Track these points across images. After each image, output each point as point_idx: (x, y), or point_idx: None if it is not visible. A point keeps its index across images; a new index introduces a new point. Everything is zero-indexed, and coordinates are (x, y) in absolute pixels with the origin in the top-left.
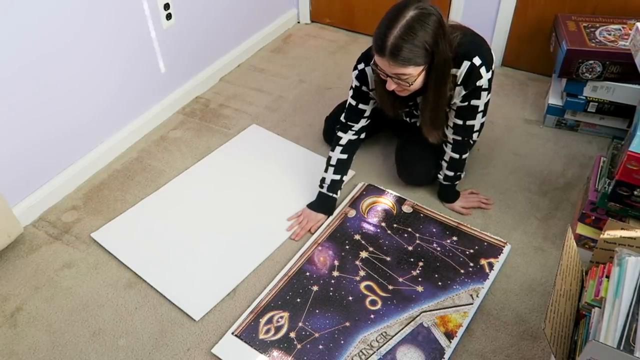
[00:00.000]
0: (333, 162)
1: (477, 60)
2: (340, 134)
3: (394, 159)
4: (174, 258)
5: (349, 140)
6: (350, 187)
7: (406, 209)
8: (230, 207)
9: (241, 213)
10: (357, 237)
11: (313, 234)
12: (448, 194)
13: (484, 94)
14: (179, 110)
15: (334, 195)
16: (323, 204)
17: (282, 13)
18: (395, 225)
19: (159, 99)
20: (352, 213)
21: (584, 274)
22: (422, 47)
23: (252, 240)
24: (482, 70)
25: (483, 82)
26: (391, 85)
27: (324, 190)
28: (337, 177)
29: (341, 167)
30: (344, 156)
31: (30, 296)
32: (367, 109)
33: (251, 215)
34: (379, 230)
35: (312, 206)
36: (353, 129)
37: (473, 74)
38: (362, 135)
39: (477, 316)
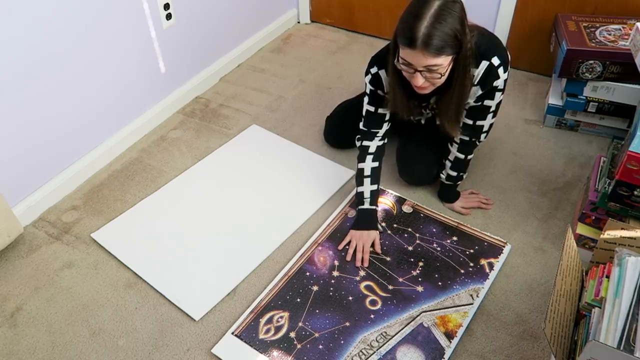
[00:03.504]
0: (367, 172)
1: (495, 61)
2: (366, 143)
3: (395, 159)
4: (174, 258)
5: (378, 147)
6: (351, 187)
7: (406, 209)
8: (230, 207)
9: (241, 213)
10: None
11: (380, 252)
12: (449, 194)
13: (498, 94)
14: (179, 110)
15: (376, 208)
16: (369, 220)
17: (282, 13)
18: (395, 225)
19: (159, 99)
20: (352, 213)
21: (584, 274)
22: (453, 35)
23: (252, 240)
24: (500, 70)
25: (499, 83)
26: (419, 81)
27: (366, 206)
28: (375, 187)
29: (376, 176)
30: (376, 164)
31: (30, 296)
32: (387, 112)
33: (251, 215)
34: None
35: (357, 227)
36: (378, 135)
37: (491, 74)
38: (386, 140)
39: (477, 316)
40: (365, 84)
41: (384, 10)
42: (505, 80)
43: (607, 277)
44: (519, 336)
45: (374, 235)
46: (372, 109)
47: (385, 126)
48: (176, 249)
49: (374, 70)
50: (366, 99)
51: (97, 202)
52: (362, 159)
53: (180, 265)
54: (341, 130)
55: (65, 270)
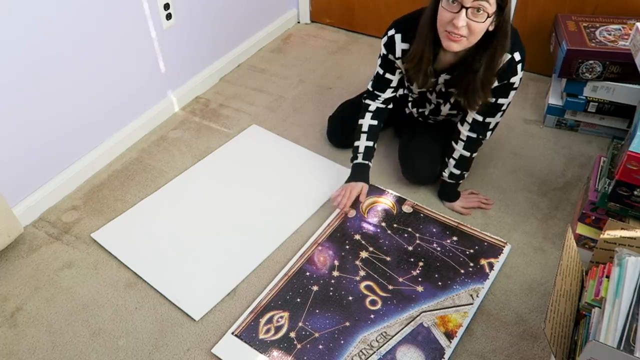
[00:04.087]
0: (365, 128)
1: (517, 56)
2: (368, 101)
3: (397, 158)
4: (174, 258)
5: (378, 108)
6: None
7: (406, 209)
8: (230, 207)
9: (241, 213)
10: (357, 237)
11: (363, 202)
12: (449, 194)
13: (512, 92)
14: (179, 110)
15: (370, 163)
16: (360, 173)
17: (282, 13)
18: (395, 225)
19: (159, 99)
20: (352, 213)
21: (584, 274)
22: None
23: (252, 240)
24: (519, 67)
25: (516, 80)
26: (460, 21)
27: (360, 160)
28: (370, 143)
29: (373, 134)
30: (375, 122)
31: (30, 296)
32: (394, 79)
33: (251, 215)
34: (379, 230)
35: (349, 180)
36: (380, 97)
37: (510, 68)
38: (390, 105)
39: (477, 316)
40: (381, 46)
41: (384, 10)
42: (521, 79)
43: (607, 277)
44: (519, 336)
45: (361, 185)
46: (381, 71)
47: (389, 92)
48: (176, 248)
49: (390, 32)
50: (378, 61)
51: (97, 202)
52: (362, 116)
53: (180, 265)
54: (342, 130)
55: (65, 270)
